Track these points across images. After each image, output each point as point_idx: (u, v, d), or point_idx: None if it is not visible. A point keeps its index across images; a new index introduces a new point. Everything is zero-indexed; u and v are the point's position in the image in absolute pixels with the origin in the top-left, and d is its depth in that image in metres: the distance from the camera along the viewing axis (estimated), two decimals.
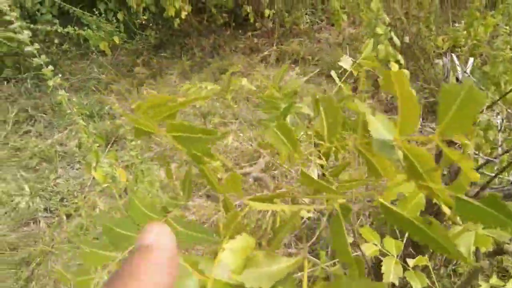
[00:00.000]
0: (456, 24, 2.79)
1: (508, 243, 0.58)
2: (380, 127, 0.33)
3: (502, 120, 1.25)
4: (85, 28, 3.57)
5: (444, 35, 2.93)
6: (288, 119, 0.65)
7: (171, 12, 3.63)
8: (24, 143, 2.98)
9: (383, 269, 0.68)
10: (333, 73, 0.77)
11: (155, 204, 0.48)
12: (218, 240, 0.38)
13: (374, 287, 0.30)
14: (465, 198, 0.30)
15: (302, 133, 0.63)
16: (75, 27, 3.48)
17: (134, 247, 0.27)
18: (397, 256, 0.72)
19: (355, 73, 0.77)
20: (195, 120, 3.04)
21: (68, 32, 3.55)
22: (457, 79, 1.19)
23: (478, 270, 0.57)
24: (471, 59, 1.19)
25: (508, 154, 1.25)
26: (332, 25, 4.07)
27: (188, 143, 0.40)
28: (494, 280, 0.68)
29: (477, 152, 1.26)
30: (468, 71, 1.16)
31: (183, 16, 3.72)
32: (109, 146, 2.87)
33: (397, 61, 1.73)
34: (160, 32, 4.28)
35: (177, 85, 3.60)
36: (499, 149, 1.24)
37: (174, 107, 0.40)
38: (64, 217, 2.33)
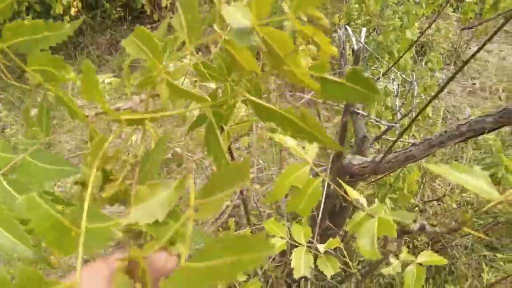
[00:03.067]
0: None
1: (412, 223, 0.57)
2: (236, 15, 0.31)
3: (398, 86, 1.30)
4: None
5: (339, 12, 3.04)
6: None
7: (59, 9, 3.36)
8: None
9: (293, 263, 0.64)
10: None
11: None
12: (85, 170, 0.34)
13: (237, 171, 0.28)
14: (329, 77, 0.30)
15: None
16: None
17: None
18: (311, 241, 0.68)
19: None
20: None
21: None
22: (353, 50, 1.20)
23: (387, 253, 0.56)
24: (364, 29, 1.22)
25: (406, 117, 1.31)
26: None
27: (33, 46, 0.36)
28: (404, 255, 0.69)
29: (378, 120, 1.30)
30: (362, 40, 1.18)
31: (72, 13, 3.46)
32: None
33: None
34: None
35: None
36: (398, 114, 1.30)
37: None
38: None
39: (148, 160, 0.37)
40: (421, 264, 0.65)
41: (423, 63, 2.83)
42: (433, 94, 1.83)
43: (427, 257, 0.65)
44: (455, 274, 2.00)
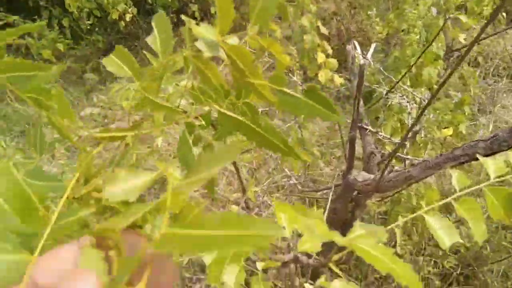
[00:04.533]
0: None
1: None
2: (203, 32, 0.34)
3: (409, 103, 1.26)
4: (26, 36, 3.47)
5: (383, 22, 2.97)
6: None
7: (115, 15, 3.57)
8: None
9: (224, 277, 0.64)
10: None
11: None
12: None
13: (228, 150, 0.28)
14: (286, 90, 0.32)
15: None
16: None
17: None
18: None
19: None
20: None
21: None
22: (360, 65, 1.19)
23: None
24: (373, 45, 1.20)
25: (418, 135, 1.27)
26: (280, 18, 4.07)
27: (23, 82, 0.38)
28: (321, 281, 0.67)
29: (388, 137, 1.27)
30: (369, 55, 1.17)
31: (127, 19, 3.66)
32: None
33: (325, 51, 1.73)
34: (109, 36, 4.20)
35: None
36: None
37: None
38: None
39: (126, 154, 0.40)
40: None
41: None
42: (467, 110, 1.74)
43: (340, 286, 0.64)
44: None
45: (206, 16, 4.03)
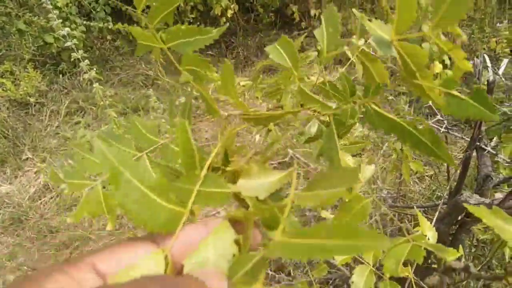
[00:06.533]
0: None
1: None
2: (377, 29, 0.34)
3: None
4: (134, 25, 3.70)
5: (498, 37, 2.78)
6: None
7: (218, 10, 3.69)
8: (73, 133, 3.14)
9: (353, 278, 0.63)
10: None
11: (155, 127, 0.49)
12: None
13: (347, 174, 0.29)
14: (455, 93, 0.32)
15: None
16: (125, 24, 3.62)
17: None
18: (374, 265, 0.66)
19: None
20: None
21: (119, 29, 3.70)
22: (488, 81, 1.12)
23: None
24: (505, 60, 1.12)
25: None
26: None
27: (187, 47, 0.42)
28: None
29: (508, 160, 1.18)
30: (500, 72, 1.09)
31: (229, 15, 3.77)
32: None
33: (443, 61, 1.64)
34: None
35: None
36: None
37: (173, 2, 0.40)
38: None
39: (275, 142, 0.42)
40: None
41: None
42: None
43: None
44: None
45: (304, 18, 4.03)
